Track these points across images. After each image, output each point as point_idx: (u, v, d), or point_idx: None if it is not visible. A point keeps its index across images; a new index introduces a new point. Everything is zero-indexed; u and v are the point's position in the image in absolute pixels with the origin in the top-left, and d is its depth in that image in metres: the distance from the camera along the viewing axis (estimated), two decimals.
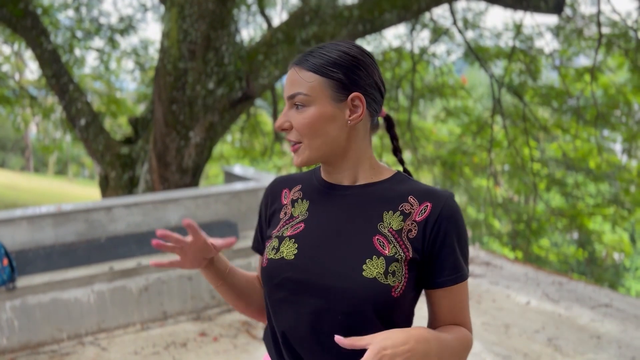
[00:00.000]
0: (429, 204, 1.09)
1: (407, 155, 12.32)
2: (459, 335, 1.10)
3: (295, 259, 1.09)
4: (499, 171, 11.67)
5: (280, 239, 1.13)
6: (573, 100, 8.68)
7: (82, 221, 4.32)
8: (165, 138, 5.18)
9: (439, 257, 1.08)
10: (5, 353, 3.57)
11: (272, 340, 1.16)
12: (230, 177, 5.73)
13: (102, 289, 3.87)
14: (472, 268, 5.47)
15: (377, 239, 1.07)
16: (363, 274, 1.03)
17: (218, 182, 18.24)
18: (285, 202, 1.20)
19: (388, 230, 1.08)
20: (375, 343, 0.93)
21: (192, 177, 5.40)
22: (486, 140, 9.25)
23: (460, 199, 14.36)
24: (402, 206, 1.10)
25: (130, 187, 5.80)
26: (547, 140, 12.91)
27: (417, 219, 1.08)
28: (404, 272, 1.05)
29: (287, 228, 1.14)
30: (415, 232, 1.08)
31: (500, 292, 4.71)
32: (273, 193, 1.24)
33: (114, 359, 3.53)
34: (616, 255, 15.96)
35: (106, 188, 5.97)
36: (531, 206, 10.22)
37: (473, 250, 6.28)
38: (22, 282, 3.65)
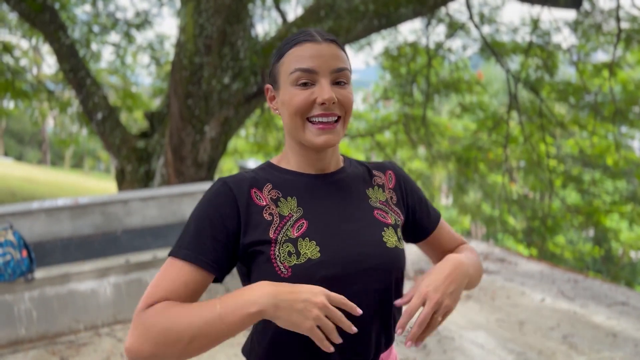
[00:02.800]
0: (389, 171, 1.23)
1: (421, 150, 12.27)
2: (471, 250, 1.27)
3: (322, 256, 1.03)
4: (514, 167, 11.58)
5: (292, 241, 1.03)
6: (591, 96, 8.57)
7: (99, 214, 4.37)
8: (181, 132, 5.22)
9: (419, 208, 1.24)
10: (24, 343, 3.62)
11: (302, 349, 1.05)
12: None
13: (118, 281, 3.91)
14: (486, 265, 5.44)
15: (377, 212, 1.14)
16: (387, 245, 1.09)
17: None
18: (264, 203, 1.07)
19: (379, 203, 1.16)
20: (417, 290, 1.02)
21: (207, 171, 5.43)
22: (502, 136, 9.17)
23: (475, 195, 14.29)
24: (374, 180, 1.20)
25: (146, 180, 5.85)
26: (563, 137, 12.78)
27: (390, 187, 1.21)
28: (401, 235, 1.18)
29: (289, 229, 1.05)
30: (395, 197, 1.20)
31: (515, 289, 4.69)
32: (237, 192, 1.06)
33: None
34: (633, 254, 15.77)
35: (122, 181, 6.03)
36: (547, 203, 10.13)
37: (487, 247, 6.25)
38: (40, 273, 3.70)
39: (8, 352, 3.53)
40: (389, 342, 1.14)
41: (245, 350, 1.15)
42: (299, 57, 1.03)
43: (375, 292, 1.07)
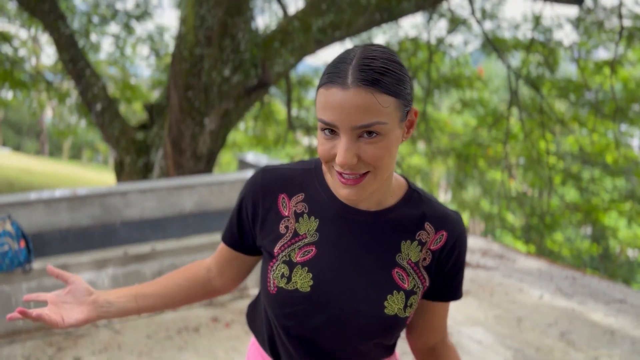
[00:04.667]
0: (444, 232, 1.05)
1: (421, 146, 12.25)
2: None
3: (311, 292, 0.99)
4: (513, 164, 11.58)
5: (290, 265, 1.01)
6: (591, 93, 8.56)
7: (98, 205, 4.36)
8: (181, 124, 5.20)
9: (449, 275, 1.07)
10: (21, 333, 3.62)
11: (272, 342, 1.13)
12: (243, 165, 5.75)
13: (117, 272, 3.90)
14: (485, 260, 5.44)
15: (397, 272, 1.02)
16: (385, 311, 1.00)
17: (231, 170, 18.30)
18: (286, 214, 1.04)
19: (407, 262, 1.03)
20: None
21: (207, 163, 5.42)
22: (502, 132, 9.16)
23: (473, 191, 14.30)
24: (419, 235, 1.04)
25: (144, 172, 5.83)
26: (563, 134, 12.78)
27: (431, 248, 1.05)
28: (418, 300, 1.06)
29: (295, 250, 1.02)
30: (429, 260, 1.05)
31: (513, 285, 4.69)
32: (266, 191, 1.05)
33: (127, 342, 3.57)
34: (630, 252, 15.80)
35: (121, 173, 6.01)
36: (545, 200, 10.13)
37: (486, 243, 6.25)
38: (38, 264, 3.69)
39: (5, 343, 3.53)
40: None
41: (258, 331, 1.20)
42: (323, 104, 0.89)
43: (358, 345, 1.03)
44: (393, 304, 1.00)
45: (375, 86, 0.87)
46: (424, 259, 1.04)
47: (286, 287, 1.00)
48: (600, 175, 9.58)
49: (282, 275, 1.01)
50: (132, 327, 3.79)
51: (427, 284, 1.05)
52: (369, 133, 0.89)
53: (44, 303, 1.28)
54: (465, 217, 17.08)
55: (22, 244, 3.65)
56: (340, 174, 0.92)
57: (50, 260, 3.77)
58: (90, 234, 4.32)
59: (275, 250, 1.03)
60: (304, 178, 1.06)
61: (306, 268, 1.00)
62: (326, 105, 0.89)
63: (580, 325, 3.86)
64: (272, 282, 1.02)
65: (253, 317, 1.21)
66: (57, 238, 4.20)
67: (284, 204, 1.04)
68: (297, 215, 1.04)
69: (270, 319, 1.09)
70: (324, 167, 1.00)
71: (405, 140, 0.97)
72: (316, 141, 1.01)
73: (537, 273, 5.07)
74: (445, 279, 1.07)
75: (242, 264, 1.17)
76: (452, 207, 18.82)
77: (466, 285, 4.70)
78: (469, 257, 5.58)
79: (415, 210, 1.05)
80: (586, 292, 4.58)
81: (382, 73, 0.88)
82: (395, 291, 1.01)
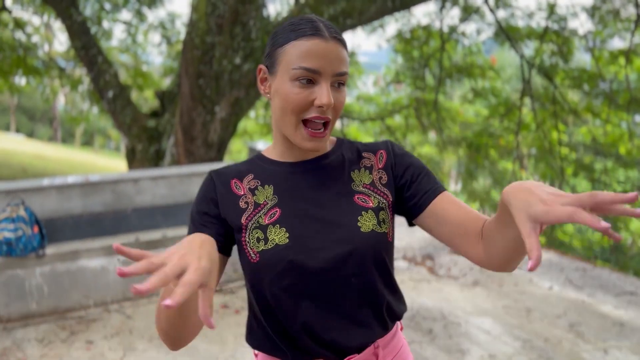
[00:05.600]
0: (381, 151, 1.17)
1: (431, 135, 12.19)
2: None
3: (290, 242, 1.04)
4: (524, 155, 11.49)
5: (262, 228, 1.05)
6: (605, 83, 8.45)
7: (110, 192, 4.40)
8: (192, 112, 5.22)
9: (416, 176, 1.13)
10: (34, 317, 3.68)
11: (282, 338, 1.09)
12: (253, 153, 5.76)
13: (128, 259, 3.94)
14: None
15: (358, 197, 1.11)
16: (362, 229, 1.06)
17: (241, 157, 18.35)
18: (242, 193, 1.10)
19: (363, 186, 1.12)
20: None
21: (217, 151, 5.44)
22: (514, 122, 9.08)
23: (484, 181, 14.22)
24: (362, 163, 1.15)
25: (156, 159, 5.87)
26: (575, 125, 12.64)
27: (380, 167, 1.15)
28: (389, 217, 1.13)
29: (261, 217, 1.07)
30: (385, 177, 1.14)
31: (522, 276, 4.68)
32: (219, 181, 1.12)
33: (138, 326, 3.62)
34: None
35: (133, 160, 6.05)
36: None
37: None
38: (51, 249, 3.74)
39: (19, 326, 3.59)
40: (384, 327, 1.13)
41: (261, 342, 1.14)
42: (304, 54, 0.99)
43: (355, 279, 1.06)
44: (367, 222, 1.07)
45: (343, 42, 1.02)
46: (380, 178, 1.14)
47: (266, 247, 1.04)
48: (613, 166, 9.48)
49: (258, 239, 1.05)
50: (143, 312, 3.84)
51: (392, 198, 1.13)
52: (339, 83, 1.02)
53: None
54: (475, 207, 17.02)
55: (36, 229, 3.70)
56: (310, 127, 1.02)
57: (63, 245, 3.82)
58: (102, 220, 4.36)
59: (243, 221, 1.07)
60: (248, 166, 1.15)
61: (277, 225, 1.05)
62: (309, 53, 0.98)
63: (590, 317, 3.85)
64: (251, 251, 1.05)
65: (252, 332, 1.16)
66: (69, 224, 4.25)
67: (237, 186, 1.11)
68: (252, 190, 1.10)
69: (268, 298, 1.05)
70: (290, 120, 1.03)
71: None
72: None
73: (547, 264, 5.06)
74: (420, 181, 1.13)
75: (220, 267, 1.07)
76: (462, 196, 18.75)
77: (475, 275, 4.70)
78: None
79: (350, 149, 1.17)
80: (596, 284, 4.56)
81: (337, 31, 1.04)
82: (363, 212, 1.08)
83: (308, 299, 1.05)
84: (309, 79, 0.99)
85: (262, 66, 1.08)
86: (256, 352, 1.19)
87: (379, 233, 1.08)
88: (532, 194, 0.77)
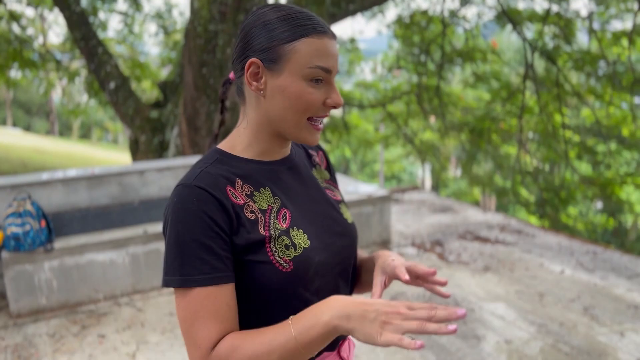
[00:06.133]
0: (319, 151, 1.24)
1: (432, 121, 12.12)
2: None
3: (312, 243, 1.00)
4: (527, 138, 11.44)
5: (285, 233, 0.98)
6: (608, 65, 8.38)
7: (116, 184, 4.35)
8: (196, 102, 5.15)
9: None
10: (45, 312, 3.65)
11: None
12: None
13: (137, 251, 3.91)
14: (503, 236, 5.41)
15: (328, 192, 1.15)
16: (348, 222, 1.13)
17: None
18: (241, 202, 0.97)
19: (325, 182, 1.19)
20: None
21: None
22: (516, 106, 9.02)
23: (486, 166, 14.19)
24: (313, 160, 1.21)
25: (160, 151, 5.81)
26: (575, 108, 12.57)
27: (323, 165, 1.23)
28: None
29: (275, 222, 0.99)
30: (329, 175, 1.22)
31: (533, 260, 4.66)
32: (220, 197, 0.94)
33: (149, 319, 3.59)
34: None
35: (136, 152, 5.99)
36: (561, 174, 10.03)
37: (504, 219, 6.21)
38: (59, 243, 3.70)
39: (30, 321, 3.56)
40: None
41: None
42: (321, 52, 0.94)
43: (351, 269, 1.13)
44: (347, 214, 1.15)
45: (334, 38, 1.00)
46: (326, 175, 1.22)
47: (296, 253, 0.97)
48: (617, 148, 9.44)
49: (287, 247, 0.97)
50: (154, 304, 3.81)
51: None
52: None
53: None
54: (477, 192, 17.00)
55: (43, 223, 3.66)
56: (315, 122, 1.00)
57: (71, 239, 3.78)
58: (109, 213, 4.32)
59: (264, 232, 0.96)
60: (224, 168, 1.00)
61: (294, 227, 1.00)
62: (325, 52, 0.95)
63: (604, 300, 3.84)
64: (281, 261, 0.95)
65: None
66: (76, 217, 4.20)
67: (234, 195, 0.97)
68: (250, 196, 0.99)
69: (297, 306, 0.98)
70: (299, 119, 0.98)
71: None
72: None
73: (557, 248, 5.04)
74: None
75: (235, 301, 0.97)
76: (462, 182, 18.68)
77: (485, 260, 4.67)
78: (487, 233, 5.54)
79: (297, 148, 1.19)
80: (608, 267, 4.54)
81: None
82: (339, 205, 1.15)
83: (330, 294, 0.98)
84: (320, 78, 0.96)
85: (255, 60, 0.96)
86: None
87: (354, 224, 1.16)
88: (389, 257, 1.06)
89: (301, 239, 0.99)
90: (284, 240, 0.97)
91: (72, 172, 4.27)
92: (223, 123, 1.20)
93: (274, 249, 0.96)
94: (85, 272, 3.76)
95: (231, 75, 1.11)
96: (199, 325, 0.89)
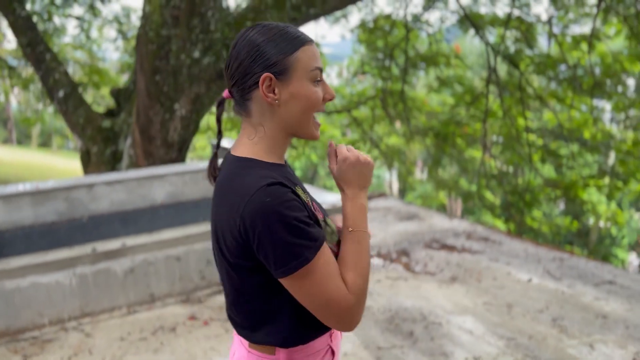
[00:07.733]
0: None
1: (398, 125, 12.08)
2: None
3: (337, 233, 1.21)
4: (491, 142, 11.50)
5: (324, 222, 1.16)
6: (568, 69, 8.46)
7: (62, 200, 4.08)
8: (149, 110, 4.90)
9: None
10: None
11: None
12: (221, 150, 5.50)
13: (85, 271, 3.65)
14: (470, 244, 5.32)
15: None
16: None
17: (206, 154, 17.92)
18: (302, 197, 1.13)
19: None
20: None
21: (179, 151, 5.15)
22: (480, 110, 9.02)
23: (451, 170, 14.24)
24: None
25: (113, 162, 5.52)
26: (538, 111, 12.71)
27: None
28: None
29: (317, 214, 1.14)
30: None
31: (500, 269, 4.57)
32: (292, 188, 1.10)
33: (98, 345, 3.34)
34: (601, 224, 15.96)
35: (88, 164, 5.69)
36: (526, 177, 10.08)
37: (470, 226, 6.13)
38: None
39: None
40: None
41: (259, 337, 1.15)
42: (315, 56, 1.11)
43: None
44: None
45: None
46: None
47: (338, 238, 1.18)
48: (580, 150, 9.53)
49: (332, 233, 1.16)
50: (103, 328, 3.56)
51: None
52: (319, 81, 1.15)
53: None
54: (443, 196, 17.06)
55: None
56: (315, 118, 1.14)
57: (12, 260, 3.50)
58: (56, 230, 4.05)
59: (320, 216, 1.15)
60: (277, 172, 1.12)
61: (325, 217, 1.20)
62: (317, 55, 1.12)
63: (572, 310, 3.76)
64: (332, 247, 1.13)
65: (296, 330, 1.16)
66: (19, 236, 3.93)
67: (298, 192, 1.12)
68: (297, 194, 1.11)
69: None
70: (309, 117, 1.12)
71: None
72: None
73: (523, 255, 4.97)
74: None
75: None
76: (428, 185, 18.77)
77: (452, 270, 4.57)
78: (453, 241, 5.45)
79: None
80: (574, 274, 4.48)
81: None
82: None
83: None
84: (319, 78, 1.12)
85: (269, 74, 1.08)
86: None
87: None
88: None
89: (334, 226, 1.20)
90: (329, 227, 1.16)
91: (12, 188, 3.98)
92: (220, 140, 1.28)
93: (326, 234, 1.13)
94: (28, 296, 3.49)
95: (225, 94, 1.17)
96: (332, 280, 1.05)
